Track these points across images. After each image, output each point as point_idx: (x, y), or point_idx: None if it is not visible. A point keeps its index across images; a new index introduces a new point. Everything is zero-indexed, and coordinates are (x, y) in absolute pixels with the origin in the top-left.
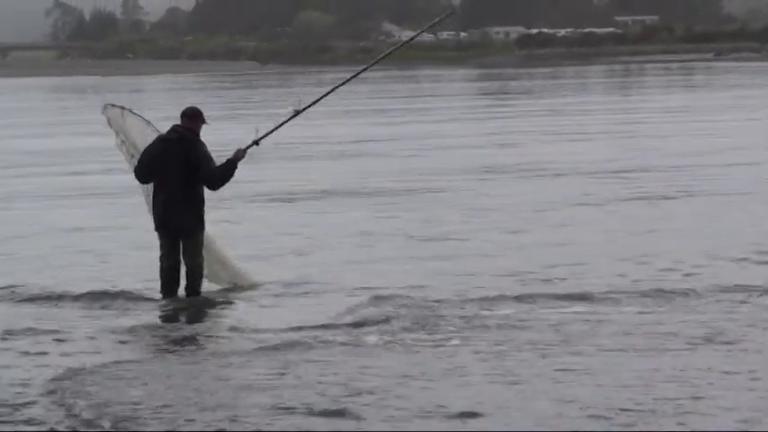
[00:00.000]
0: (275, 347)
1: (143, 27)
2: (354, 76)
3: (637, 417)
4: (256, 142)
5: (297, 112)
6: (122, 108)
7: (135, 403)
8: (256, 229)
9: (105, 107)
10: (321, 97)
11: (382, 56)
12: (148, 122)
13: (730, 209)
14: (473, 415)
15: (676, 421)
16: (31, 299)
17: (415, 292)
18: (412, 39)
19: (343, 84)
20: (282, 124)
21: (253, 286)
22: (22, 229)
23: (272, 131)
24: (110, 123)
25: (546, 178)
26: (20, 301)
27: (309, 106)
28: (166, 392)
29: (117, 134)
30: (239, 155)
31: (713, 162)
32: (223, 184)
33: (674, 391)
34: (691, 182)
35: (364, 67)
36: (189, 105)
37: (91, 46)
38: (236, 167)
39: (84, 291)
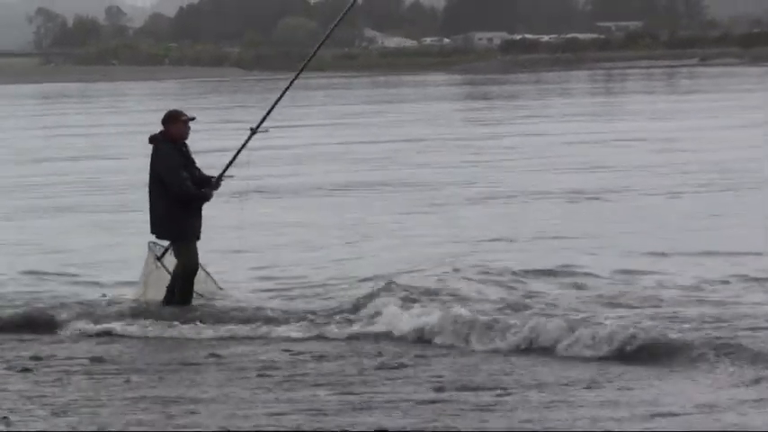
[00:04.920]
0: None
1: (126, 33)
2: (291, 84)
3: None
4: (221, 177)
5: (253, 131)
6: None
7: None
8: None
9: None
10: (269, 110)
11: (307, 60)
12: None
13: None
14: None
15: None
16: None
17: None
18: (324, 40)
19: (284, 92)
20: (241, 148)
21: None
22: None
23: (233, 159)
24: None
25: None
26: None
27: (262, 122)
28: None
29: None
30: (210, 193)
31: None
32: (185, 198)
33: None
34: None
35: (296, 73)
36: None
37: (74, 52)
38: (205, 200)
39: None
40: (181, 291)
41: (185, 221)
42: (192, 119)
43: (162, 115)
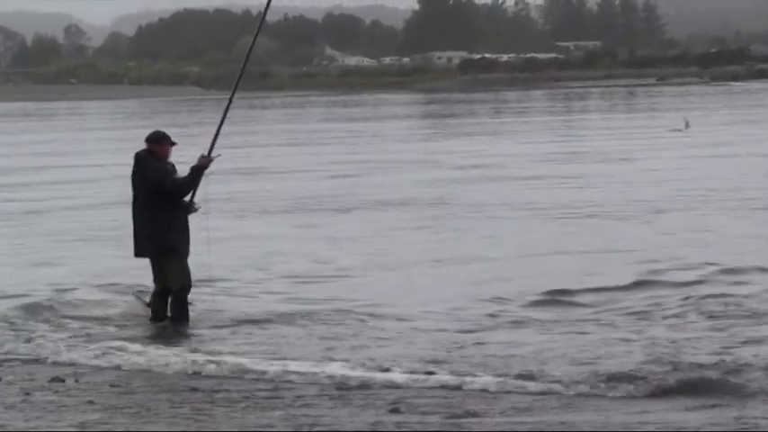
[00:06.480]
0: None
1: (86, 52)
2: (228, 108)
3: None
4: (193, 206)
5: (200, 166)
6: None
7: None
8: None
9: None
10: (215, 139)
11: (238, 78)
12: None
13: None
14: None
15: None
16: None
17: None
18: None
19: (224, 116)
20: (199, 177)
21: None
22: None
23: (197, 187)
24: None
25: None
26: None
27: (212, 147)
28: None
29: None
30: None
31: None
32: (180, 188)
33: None
34: None
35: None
36: (153, 130)
37: (33, 71)
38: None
39: None
40: (176, 308)
41: (179, 234)
42: (175, 144)
43: (134, 133)
